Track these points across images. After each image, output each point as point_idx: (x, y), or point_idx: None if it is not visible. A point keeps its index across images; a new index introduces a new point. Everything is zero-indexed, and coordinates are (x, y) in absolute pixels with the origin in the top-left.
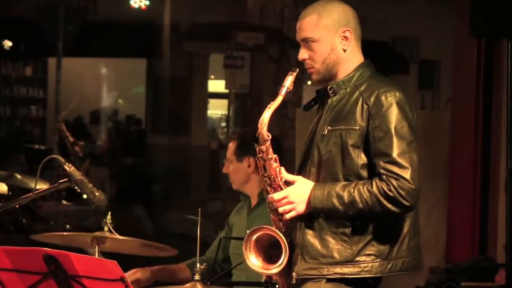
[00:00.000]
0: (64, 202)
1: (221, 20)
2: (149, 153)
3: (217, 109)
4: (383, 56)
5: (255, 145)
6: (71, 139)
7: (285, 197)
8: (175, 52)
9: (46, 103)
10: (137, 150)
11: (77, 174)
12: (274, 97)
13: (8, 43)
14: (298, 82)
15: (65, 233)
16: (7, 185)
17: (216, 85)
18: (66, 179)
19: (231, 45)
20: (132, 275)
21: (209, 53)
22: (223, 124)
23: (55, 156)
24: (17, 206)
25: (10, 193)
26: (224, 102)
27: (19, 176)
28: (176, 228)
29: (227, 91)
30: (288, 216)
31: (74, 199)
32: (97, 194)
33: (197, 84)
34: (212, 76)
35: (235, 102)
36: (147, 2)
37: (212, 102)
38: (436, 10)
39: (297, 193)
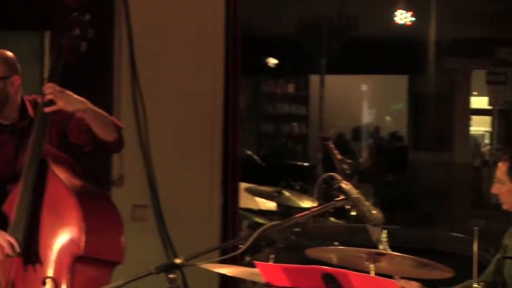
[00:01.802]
0: (332, 219)
1: (482, 35)
2: (411, 170)
3: (480, 126)
4: None
5: None
6: (339, 156)
7: None
8: (436, 68)
9: (308, 120)
10: (399, 167)
11: (354, 192)
12: None
13: (272, 61)
14: None
15: (340, 248)
16: (275, 202)
17: (479, 101)
18: (343, 197)
19: (494, 61)
20: (406, 284)
21: (471, 69)
22: (486, 141)
23: (332, 174)
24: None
25: (278, 209)
26: (487, 118)
27: (287, 193)
28: (439, 245)
29: (490, 107)
30: None
31: (342, 216)
32: (374, 212)
33: (459, 100)
34: (475, 93)
35: (499, 118)
36: (413, 19)
37: (475, 118)
38: None
39: None
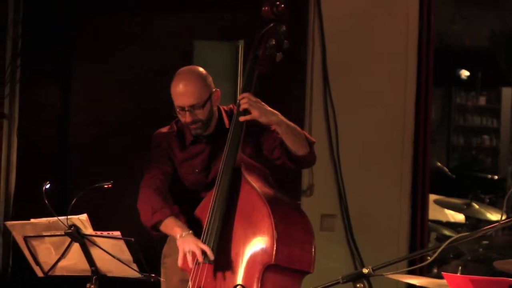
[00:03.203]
0: None
1: None
2: None
3: None
4: None
5: None
6: None
7: None
8: None
9: (499, 133)
10: None
11: None
12: None
13: (465, 73)
14: None
15: None
16: (464, 214)
17: None
18: None
19: None
20: None
21: None
22: None
23: None
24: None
25: (467, 222)
26: None
27: (476, 206)
28: None
29: None
30: None
31: None
32: None
33: None
34: None
35: None
36: None
37: None
38: None
39: None
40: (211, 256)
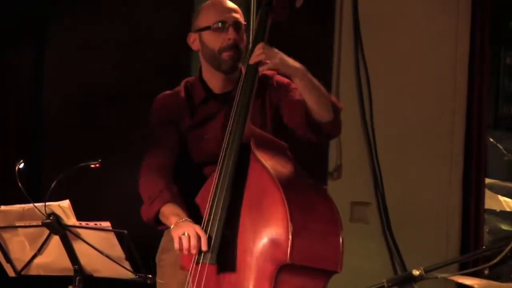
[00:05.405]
0: None
1: None
2: None
3: None
4: None
5: None
6: None
7: None
8: None
9: None
10: None
11: None
12: None
13: None
14: None
15: None
16: None
17: None
18: None
19: None
20: None
21: None
22: None
23: None
24: None
25: None
26: None
27: None
28: None
29: None
30: None
31: None
32: None
33: None
34: None
35: None
36: None
37: None
38: None
39: None
40: (205, 245)
